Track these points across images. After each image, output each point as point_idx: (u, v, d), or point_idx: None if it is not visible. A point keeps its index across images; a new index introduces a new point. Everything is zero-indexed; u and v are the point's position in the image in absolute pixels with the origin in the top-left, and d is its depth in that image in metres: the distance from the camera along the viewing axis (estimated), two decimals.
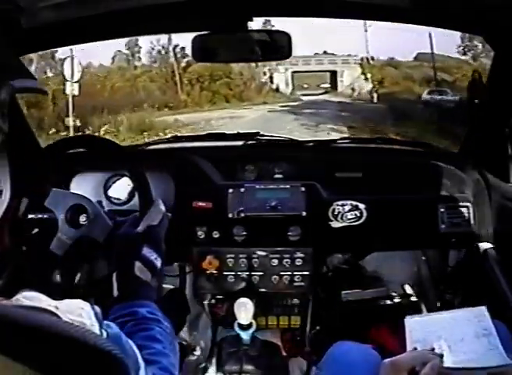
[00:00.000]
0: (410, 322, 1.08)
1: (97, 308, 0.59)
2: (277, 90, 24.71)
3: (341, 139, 1.65)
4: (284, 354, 1.36)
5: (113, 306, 0.84)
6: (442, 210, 1.37)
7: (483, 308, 1.07)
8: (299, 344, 1.43)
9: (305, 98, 23.54)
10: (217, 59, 1.22)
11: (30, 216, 1.16)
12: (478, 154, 1.42)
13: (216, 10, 1.08)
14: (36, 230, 1.17)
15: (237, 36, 1.13)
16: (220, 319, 1.40)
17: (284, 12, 1.17)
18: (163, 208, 1.01)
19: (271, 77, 24.70)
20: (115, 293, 0.89)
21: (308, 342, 1.42)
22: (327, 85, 27.85)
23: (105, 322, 0.60)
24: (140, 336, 0.78)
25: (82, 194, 1.19)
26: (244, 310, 1.22)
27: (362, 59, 25.57)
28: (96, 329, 0.56)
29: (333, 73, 26.31)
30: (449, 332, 1.02)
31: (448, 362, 0.93)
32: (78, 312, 0.55)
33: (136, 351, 0.64)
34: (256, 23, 1.12)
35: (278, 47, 1.14)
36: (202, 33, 1.13)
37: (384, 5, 1.05)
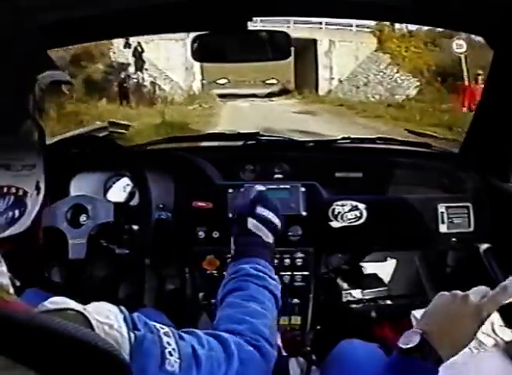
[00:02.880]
0: (417, 315, 1.08)
1: (126, 312, 0.59)
2: (149, 94, 10.76)
3: (341, 139, 1.64)
4: (284, 354, 1.36)
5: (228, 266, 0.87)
6: (442, 210, 1.37)
7: None
8: (299, 344, 1.43)
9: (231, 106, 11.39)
10: (216, 60, 1.22)
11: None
12: (479, 154, 1.42)
13: (216, 10, 1.08)
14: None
15: (237, 36, 1.13)
16: None
17: (284, 12, 1.17)
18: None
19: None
20: (232, 252, 0.92)
21: (308, 342, 1.42)
22: (274, 81, 15.67)
23: (133, 322, 0.59)
24: (236, 295, 0.78)
25: (73, 195, 1.19)
26: None
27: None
28: (124, 331, 0.56)
29: (304, 49, 11.73)
30: None
31: None
32: (106, 314, 0.56)
33: (170, 342, 0.61)
34: (256, 23, 1.12)
35: (277, 47, 1.15)
36: (202, 33, 1.13)
37: (384, 5, 1.05)
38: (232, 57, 1.19)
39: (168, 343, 0.60)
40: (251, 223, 0.92)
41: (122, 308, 0.60)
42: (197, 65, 14.38)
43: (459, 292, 0.73)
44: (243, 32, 1.11)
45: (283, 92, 15.88)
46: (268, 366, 0.72)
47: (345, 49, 12.54)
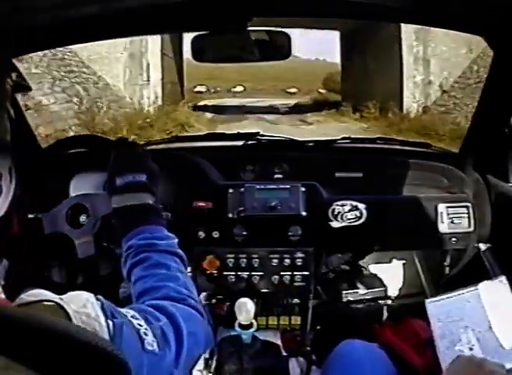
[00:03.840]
0: (430, 307, 1.08)
1: (103, 299, 0.60)
2: None
3: (341, 139, 1.64)
4: (284, 354, 1.36)
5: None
6: (442, 210, 1.37)
7: (503, 279, 1.06)
8: (299, 344, 1.43)
9: None
10: (216, 60, 1.22)
11: (30, 216, 1.16)
12: (478, 154, 1.42)
13: (216, 10, 1.07)
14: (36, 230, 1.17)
15: (237, 36, 1.13)
16: (220, 319, 1.40)
17: (284, 12, 1.17)
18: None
19: None
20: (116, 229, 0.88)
21: (308, 342, 1.42)
22: (295, 90, 11.75)
23: (111, 310, 0.59)
24: (142, 267, 0.78)
25: (72, 196, 1.20)
26: (245, 310, 1.22)
27: None
28: (102, 320, 0.56)
29: (369, 28, 8.01)
30: (473, 319, 1.01)
31: (479, 353, 0.93)
32: (82, 303, 0.56)
33: (140, 324, 0.62)
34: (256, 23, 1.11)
35: (278, 47, 1.15)
36: (202, 33, 1.13)
37: (384, 5, 1.05)
38: (232, 57, 1.19)
39: (140, 324, 0.62)
40: (115, 201, 0.89)
41: (99, 296, 0.60)
42: (156, 51, 8.42)
43: (476, 357, 0.77)
44: (243, 32, 1.11)
45: (322, 105, 9.13)
46: (204, 320, 0.75)
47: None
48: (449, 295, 1.12)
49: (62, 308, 0.53)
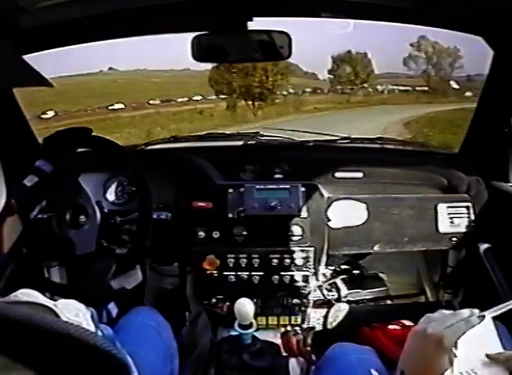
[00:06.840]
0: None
1: (93, 310, 0.60)
2: None
3: (341, 139, 1.64)
4: (284, 354, 1.36)
5: None
6: (442, 210, 1.37)
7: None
8: (299, 344, 1.43)
9: None
10: (216, 59, 1.23)
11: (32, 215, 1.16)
12: (478, 154, 1.42)
13: (216, 10, 1.08)
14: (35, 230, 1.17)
15: (237, 36, 1.13)
16: (220, 319, 1.40)
17: (284, 12, 1.17)
18: (140, 276, 1.05)
19: None
20: None
21: (308, 342, 1.42)
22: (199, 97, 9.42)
23: (101, 324, 0.61)
24: None
25: (89, 195, 1.20)
26: (244, 310, 1.22)
27: None
28: (92, 329, 0.57)
29: None
30: None
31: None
32: (75, 312, 0.57)
33: (128, 357, 0.64)
34: (256, 23, 1.12)
35: (278, 47, 1.14)
36: (202, 33, 1.13)
37: (384, 5, 1.05)
38: (232, 57, 1.19)
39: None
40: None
41: (91, 308, 0.62)
42: None
43: (426, 327, 0.72)
44: (243, 32, 1.11)
45: None
46: None
47: None
48: None
49: (56, 316, 0.53)
